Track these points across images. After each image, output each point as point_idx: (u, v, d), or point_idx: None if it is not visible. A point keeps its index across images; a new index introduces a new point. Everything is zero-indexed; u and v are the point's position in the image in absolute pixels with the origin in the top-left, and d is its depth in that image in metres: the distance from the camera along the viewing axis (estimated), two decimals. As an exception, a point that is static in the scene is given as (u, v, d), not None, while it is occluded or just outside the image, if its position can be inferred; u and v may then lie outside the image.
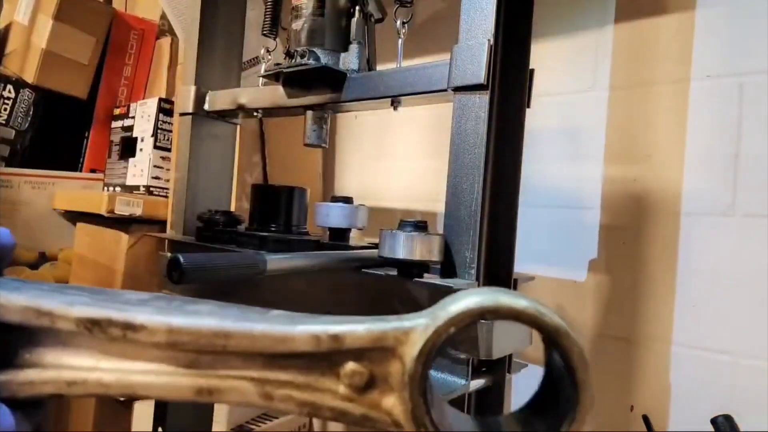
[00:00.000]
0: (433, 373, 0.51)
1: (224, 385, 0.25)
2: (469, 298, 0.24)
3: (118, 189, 1.39)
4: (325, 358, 0.25)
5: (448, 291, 0.50)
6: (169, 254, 0.82)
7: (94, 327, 0.25)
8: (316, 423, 1.35)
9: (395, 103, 0.65)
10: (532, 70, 0.58)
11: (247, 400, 0.25)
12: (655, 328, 0.86)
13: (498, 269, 0.55)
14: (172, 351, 0.25)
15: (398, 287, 0.54)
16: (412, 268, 0.51)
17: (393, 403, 0.24)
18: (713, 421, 0.64)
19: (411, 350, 0.24)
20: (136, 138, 1.39)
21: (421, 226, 0.50)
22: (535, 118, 0.77)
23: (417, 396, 0.24)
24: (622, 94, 0.92)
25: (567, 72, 0.98)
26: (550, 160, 0.98)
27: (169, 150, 1.37)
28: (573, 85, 0.97)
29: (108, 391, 0.26)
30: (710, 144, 0.83)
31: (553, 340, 0.23)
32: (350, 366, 0.25)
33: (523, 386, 0.77)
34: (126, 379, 0.26)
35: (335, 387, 0.25)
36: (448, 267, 0.52)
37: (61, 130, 1.52)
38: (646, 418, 0.69)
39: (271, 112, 0.79)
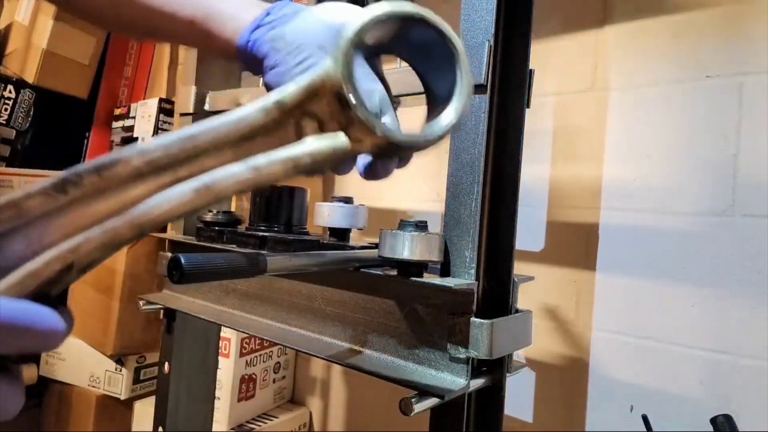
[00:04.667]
0: (432, 372, 0.51)
1: (216, 176, 0.27)
2: (357, 19, 0.30)
3: (118, 189, 1.39)
4: (279, 125, 0.29)
5: (448, 291, 0.50)
6: (169, 254, 0.82)
7: (66, 185, 0.25)
8: (316, 423, 1.35)
9: (395, 103, 0.65)
10: (532, 71, 0.58)
11: (240, 180, 0.28)
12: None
13: (498, 269, 0.55)
14: (153, 174, 0.27)
15: (398, 287, 0.54)
16: (412, 268, 0.52)
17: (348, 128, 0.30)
18: (713, 421, 0.64)
19: (336, 80, 0.29)
20: (136, 138, 1.39)
21: (421, 226, 0.50)
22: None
23: (362, 109, 0.29)
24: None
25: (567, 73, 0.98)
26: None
27: (169, 150, 1.37)
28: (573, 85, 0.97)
29: (120, 237, 0.26)
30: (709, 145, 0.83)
31: (426, 22, 0.32)
32: (302, 121, 0.30)
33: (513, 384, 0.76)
34: (130, 217, 0.26)
35: (299, 140, 0.30)
36: (448, 267, 0.53)
37: (62, 130, 1.52)
38: (645, 418, 0.69)
39: (271, 112, 0.79)
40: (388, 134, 0.30)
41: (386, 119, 0.42)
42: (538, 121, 0.99)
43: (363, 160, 0.40)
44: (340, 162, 0.33)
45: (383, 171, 0.40)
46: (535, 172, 0.99)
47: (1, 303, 0.22)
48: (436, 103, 0.35)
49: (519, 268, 0.56)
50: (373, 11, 0.30)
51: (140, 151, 0.26)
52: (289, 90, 0.30)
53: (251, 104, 0.29)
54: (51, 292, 0.25)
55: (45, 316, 0.23)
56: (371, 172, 0.40)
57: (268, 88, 0.43)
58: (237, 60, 0.45)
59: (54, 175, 0.25)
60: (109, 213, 0.26)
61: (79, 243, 0.25)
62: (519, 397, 0.98)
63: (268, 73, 0.43)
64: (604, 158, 0.93)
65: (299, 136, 0.30)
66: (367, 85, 0.41)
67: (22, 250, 0.25)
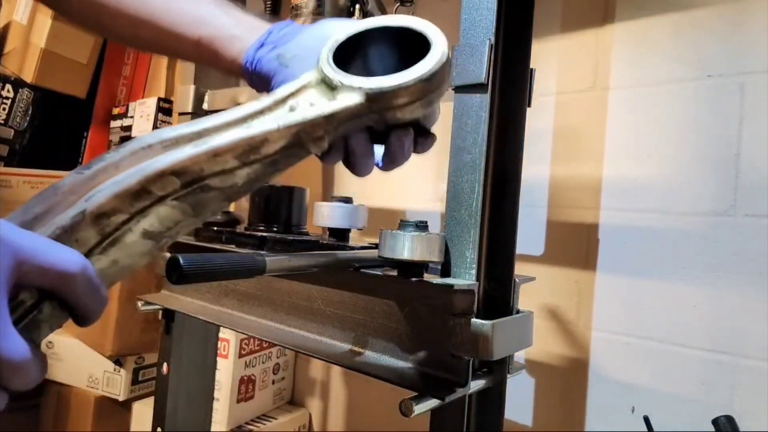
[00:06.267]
0: (432, 373, 0.50)
1: (214, 135, 0.33)
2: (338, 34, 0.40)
3: (117, 189, 1.39)
4: (272, 111, 0.36)
5: (449, 291, 0.50)
6: (168, 254, 0.82)
7: (91, 162, 0.31)
8: (316, 424, 1.34)
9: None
10: (533, 70, 0.57)
11: (235, 135, 0.33)
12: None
13: (499, 269, 0.55)
14: (163, 148, 0.32)
15: (398, 288, 0.54)
16: (412, 268, 0.51)
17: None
18: (714, 422, 0.63)
19: (318, 71, 0.38)
20: (135, 138, 1.38)
21: (421, 226, 0.50)
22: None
23: (340, 73, 0.36)
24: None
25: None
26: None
27: (168, 150, 1.37)
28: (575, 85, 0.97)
29: (127, 187, 0.29)
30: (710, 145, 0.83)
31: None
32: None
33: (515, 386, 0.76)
34: (135, 170, 0.30)
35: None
36: (448, 267, 0.52)
37: (60, 129, 1.52)
38: (646, 419, 0.69)
39: (270, 111, 0.78)
40: (372, 84, 0.35)
41: None
42: (539, 121, 0.99)
43: (379, 150, 0.41)
44: (334, 129, 0.36)
45: (400, 153, 0.40)
46: (537, 172, 0.98)
47: (24, 234, 0.26)
48: None
49: (519, 268, 0.56)
50: (350, 27, 0.39)
51: (154, 134, 0.32)
52: (279, 88, 0.36)
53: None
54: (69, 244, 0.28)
55: (66, 251, 0.27)
56: (389, 157, 0.41)
57: None
58: (243, 77, 0.47)
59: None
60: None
61: (91, 194, 0.29)
62: (519, 400, 0.98)
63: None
64: (605, 158, 0.93)
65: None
66: None
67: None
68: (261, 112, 0.35)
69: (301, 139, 0.35)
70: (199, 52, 0.47)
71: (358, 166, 0.41)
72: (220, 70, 0.49)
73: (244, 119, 0.35)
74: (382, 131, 0.40)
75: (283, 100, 0.36)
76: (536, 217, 0.98)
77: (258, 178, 0.35)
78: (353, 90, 0.35)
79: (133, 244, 0.30)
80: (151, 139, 0.32)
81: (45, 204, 0.29)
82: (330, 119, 0.35)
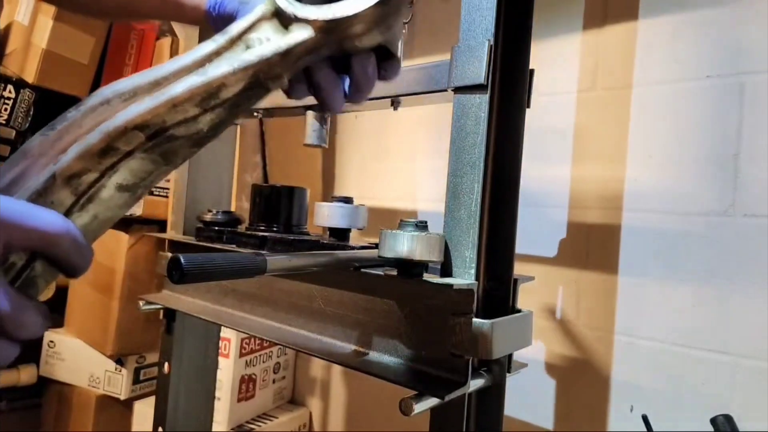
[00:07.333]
0: (432, 372, 0.51)
1: (171, 85, 0.33)
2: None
3: (118, 189, 1.39)
4: (227, 50, 0.36)
5: (448, 291, 0.50)
6: (169, 254, 0.82)
7: (54, 123, 0.31)
8: (316, 423, 1.35)
9: (395, 103, 0.65)
10: (532, 70, 0.57)
11: (190, 83, 0.33)
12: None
13: (498, 269, 0.55)
14: (121, 102, 0.32)
15: (398, 287, 0.54)
16: (412, 268, 0.51)
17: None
18: (713, 421, 0.64)
19: (271, 4, 0.36)
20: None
21: (421, 226, 0.50)
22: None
23: (292, 3, 0.35)
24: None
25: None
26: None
27: (169, 150, 1.37)
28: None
29: (90, 146, 0.30)
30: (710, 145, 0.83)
31: None
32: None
33: (517, 385, 0.77)
34: (98, 129, 0.31)
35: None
36: (448, 267, 0.52)
37: (62, 130, 1.52)
38: (645, 419, 0.69)
39: (271, 112, 0.79)
40: (326, 14, 0.34)
41: None
42: (534, 122, 0.99)
43: (346, 81, 0.41)
44: (291, 64, 0.35)
45: (365, 81, 0.40)
46: (535, 173, 0.99)
47: (5, 200, 0.26)
48: None
49: (533, 269, 0.56)
50: None
51: (110, 86, 0.32)
52: (233, 25, 0.35)
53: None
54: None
55: (47, 213, 0.27)
56: (354, 86, 0.40)
57: None
58: (207, 24, 0.48)
59: None
60: (87, 133, 0.31)
61: (59, 157, 0.30)
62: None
63: None
64: (604, 159, 0.93)
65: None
66: None
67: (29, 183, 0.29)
68: (217, 53, 0.35)
69: (259, 79, 0.34)
70: (163, 6, 0.48)
71: (327, 101, 0.40)
72: (186, 21, 0.49)
73: (200, 63, 0.34)
74: (344, 60, 0.38)
75: (238, 37, 0.35)
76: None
77: (223, 122, 0.35)
78: (307, 22, 0.34)
79: (109, 198, 0.31)
80: (109, 92, 0.32)
81: (17, 169, 0.29)
82: (286, 56, 0.34)
